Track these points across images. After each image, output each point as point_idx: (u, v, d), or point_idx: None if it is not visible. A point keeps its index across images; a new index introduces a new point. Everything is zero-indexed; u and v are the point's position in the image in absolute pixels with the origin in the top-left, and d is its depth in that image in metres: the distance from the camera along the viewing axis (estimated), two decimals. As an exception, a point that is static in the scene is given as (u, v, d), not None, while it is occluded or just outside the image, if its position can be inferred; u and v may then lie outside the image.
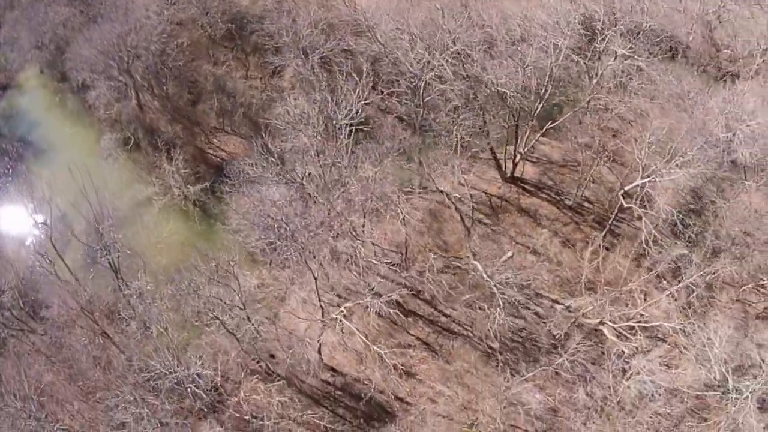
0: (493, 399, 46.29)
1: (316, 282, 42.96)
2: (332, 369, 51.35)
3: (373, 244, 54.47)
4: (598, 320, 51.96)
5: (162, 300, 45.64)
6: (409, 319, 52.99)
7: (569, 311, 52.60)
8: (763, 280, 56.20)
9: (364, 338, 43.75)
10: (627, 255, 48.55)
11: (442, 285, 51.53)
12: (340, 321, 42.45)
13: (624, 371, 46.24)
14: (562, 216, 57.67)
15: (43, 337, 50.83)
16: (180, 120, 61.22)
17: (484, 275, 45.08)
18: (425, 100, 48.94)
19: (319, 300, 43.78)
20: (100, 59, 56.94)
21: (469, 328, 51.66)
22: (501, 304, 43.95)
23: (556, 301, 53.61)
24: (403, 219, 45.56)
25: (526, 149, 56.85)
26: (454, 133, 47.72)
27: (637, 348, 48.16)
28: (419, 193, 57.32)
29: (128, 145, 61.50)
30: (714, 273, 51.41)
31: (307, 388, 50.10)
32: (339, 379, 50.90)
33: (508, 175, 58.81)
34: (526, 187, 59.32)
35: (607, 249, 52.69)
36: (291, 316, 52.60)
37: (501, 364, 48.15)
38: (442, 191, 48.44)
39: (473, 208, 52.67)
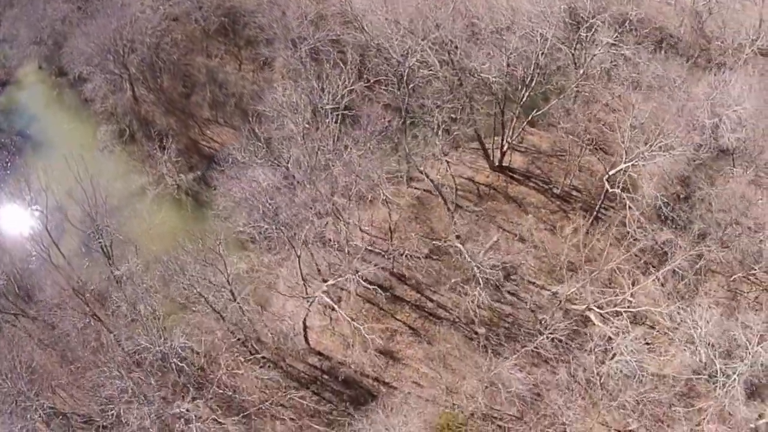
0: (476, 380, 47.22)
1: (299, 259, 44.39)
2: (319, 353, 52.57)
3: (360, 229, 56.03)
4: (585, 306, 52.95)
5: (151, 280, 47.25)
6: (396, 305, 54.29)
7: (555, 297, 53.61)
8: (754, 270, 56.97)
9: (343, 314, 45.02)
10: (607, 233, 49.48)
11: (427, 268, 52.87)
12: (322, 298, 43.67)
13: (606, 351, 47.03)
14: (549, 204, 58.81)
15: (36, 320, 52.60)
16: (174, 112, 63.45)
17: (466, 255, 46.30)
18: (410, 86, 50.64)
19: (303, 279, 45.16)
20: (96, 52, 59.35)
21: (454, 312, 52.77)
22: (481, 282, 45.06)
23: (542, 287, 54.67)
24: (386, 199, 46.95)
25: (513, 138, 58.25)
26: (436, 115, 49.14)
27: (619, 329, 48.86)
28: (408, 182, 58.90)
29: (123, 137, 63.73)
30: (699, 256, 52.31)
31: (294, 371, 51.32)
32: (326, 363, 52.11)
33: (497, 164, 60.18)
34: (514, 176, 60.61)
35: (587, 232, 53.63)
36: (279, 302, 54.07)
37: (483, 345, 49.15)
38: (421, 171, 49.86)
39: (456, 189, 54.05)
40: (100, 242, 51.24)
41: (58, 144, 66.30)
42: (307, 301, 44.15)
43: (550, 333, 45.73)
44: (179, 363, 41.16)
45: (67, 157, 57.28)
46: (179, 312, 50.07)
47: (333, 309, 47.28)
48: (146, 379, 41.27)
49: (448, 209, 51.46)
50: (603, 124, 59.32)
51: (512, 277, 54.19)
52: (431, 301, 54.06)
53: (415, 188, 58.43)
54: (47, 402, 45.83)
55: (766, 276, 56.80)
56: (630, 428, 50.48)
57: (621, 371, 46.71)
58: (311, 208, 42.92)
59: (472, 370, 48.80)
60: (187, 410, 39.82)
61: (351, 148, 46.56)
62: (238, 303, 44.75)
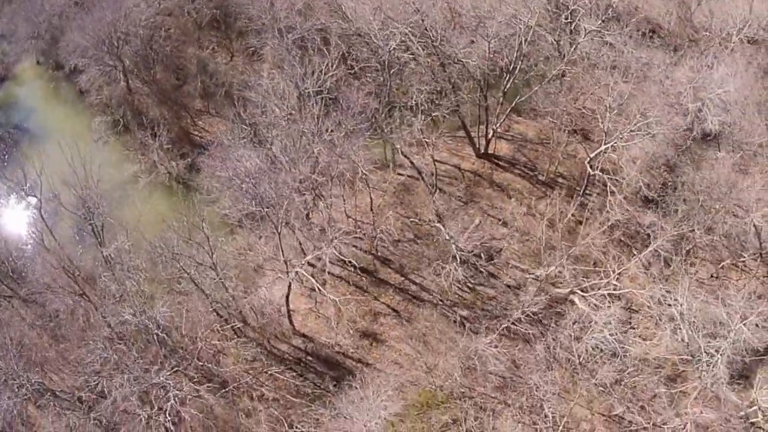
0: (455, 358, 48.64)
1: (278, 236, 46.32)
2: (303, 335, 54.34)
3: (346, 214, 58.06)
4: (569, 290, 54.36)
5: (138, 259, 49.58)
6: (380, 288, 56.07)
7: (537, 279, 55.09)
8: (743, 257, 58.04)
9: (319, 286, 46.79)
10: (585, 213, 50.90)
11: (410, 252, 54.63)
12: (302, 275, 45.56)
13: (584, 328, 48.24)
14: (535, 190, 60.43)
15: (28, 302, 55.00)
16: (166, 102, 66.30)
17: (444, 232, 47.98)
18: (391, 71, 52.91)
19: (282, 254, 47.01)
20: (92, 44, 62.41)
21: (436, 294, 54.40)
22: (458, 258, 46.67)
23: (526, 271, 56.17)
24: (364, 177, 48.92)
25: (498, 126, 60.15)
26: (415, 95, 51.27)
27: (597, 304, 50.08)
28: (394, 169, 61.01)
29: (117, 128, 66.66)
30: (682, 238, 53.61)
31: (278, 352, 53.05)
32: (309, 345, 53.85)
33: (482, 151, 62.06)
34: (500, 163, 62.42)
35: (572, 215, 55.18)
36: (265, 287, 56.03)
37: (461, 324, 50.63)
38: (398, 148, 51.81)
39: (436, 171, 55.91)
40: (90, 224, 53.64)
41: (54, 136, 69.09)
42: (288, 275, 45.97)
43: (525, 308, 47.07)
44: (160, 333, 43.10)
45: (61, 143, 60.12)
46: (165, 294, 52.19)
47: (318, 291, 49.00)
48: (128, 351, 43.25)
49: (428, 187, 53.30)
50: (585, 108, 60.64)
51: (495, 260, 55.81)
52: (414, 283, 55.71)
53: (400, 174, 60.49)
54: (36, 377, 47.93)
55: (755, 263, 57.87)
56: (615, 412, 51.64)
57: (599, 348, 47.93)
58: (290, 185, 44.94)
59: (452, 350, 50.22)
60: (167, 380, 41.65)
61: (332, 130, 48.68)
62: (220, 279, 46.71)
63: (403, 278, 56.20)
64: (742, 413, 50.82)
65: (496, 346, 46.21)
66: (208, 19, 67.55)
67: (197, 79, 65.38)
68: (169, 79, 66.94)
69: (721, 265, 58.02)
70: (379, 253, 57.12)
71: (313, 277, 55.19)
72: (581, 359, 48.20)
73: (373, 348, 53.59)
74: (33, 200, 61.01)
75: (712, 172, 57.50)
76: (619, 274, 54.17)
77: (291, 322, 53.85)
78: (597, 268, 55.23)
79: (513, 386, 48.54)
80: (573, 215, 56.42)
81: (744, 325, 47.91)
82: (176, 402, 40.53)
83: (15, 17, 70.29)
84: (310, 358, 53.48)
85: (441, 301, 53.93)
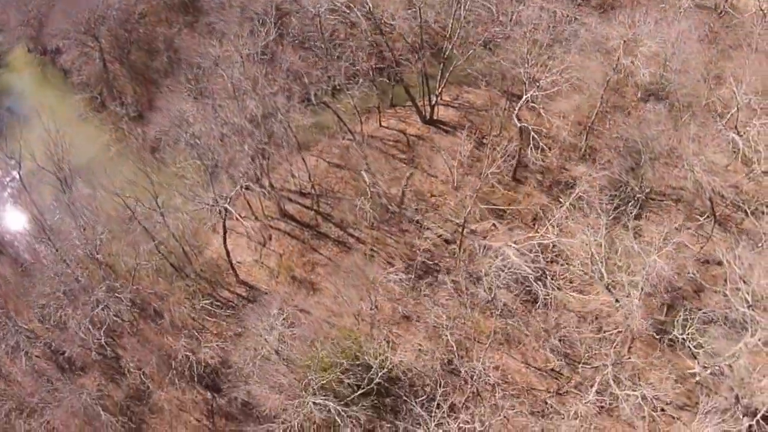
0: (365, 292, 55.83)
1: (210, 175, 55.12)
2: (246, 284, 62.53)
3: (292, 175, 66.65)
4: (503, 243, 60.86)
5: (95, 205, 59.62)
6: (320, 241, 64.04)
7: (474, 234, 61.91)
8: (699, 219, 63.13)
9: (240, 218, 55.01)
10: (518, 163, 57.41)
11: (350, 208, 62.77)
12: (226, 210, 54.10)
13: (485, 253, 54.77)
14: (476, 152, 67.49)
15: (2, 254, 65.42)
16: (138, 79, 77.31)
17: (366, 179, 55.85)
18: (325, 34, 62.21)
19: (214, 192, 55.47)
20: (72, 26, 74.35)
21: (372, 245, 61.90)
22: (369, 193, 54.43)
23: (462, 225, 62.96)
24: (286, 125, 57.61)
25: (439, 90, 68.01)
26: (337, 52, 60.18)
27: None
28: (343, 135, 69.49)
29: (95, 104, 78.03)
30: (614, 187, 59.68)
31: (222, 299, 61.38)
32: (252, 293, 61.94)
33: (427, 118, 69.87)
34: (445, 128, 70.05)
35: (517, 179, 62.63)
36: (218, 243, 64.75)
37: (368, 256, 58.87)
38: (320, 100, 60.16)
39: (361, 125, 64.03)
40: (58, 177, 64.02)
41: (39, 115, 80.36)
42: (220, 213, 54.58)
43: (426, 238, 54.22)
44: (101, 258, 52.28)
45: (42, 117, 71.23)
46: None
47: (238, 219, 57.56)
48: (73, 274, 52.48)
49: (353, 137, 61.53)
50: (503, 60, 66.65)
51: (431, 214, 63.28)
52: (352, 236, 63.44)
53: (348, 139, 68.86)
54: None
55: (709, 227, 62.79)
56: (550, 366, 57.27)
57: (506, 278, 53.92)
58: (222, 132, 54.13)
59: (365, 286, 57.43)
60: (103, 300, 50.48)
61: (266, 86, 57.90)
62: (161, 213, 55.67)
63: (342, 231, 64.01)
64: (697, 379, 54.86)
65: (397, 275, 53.30)
66: (178, 1, 78.90)
67: (164, 56, 76.21)
68: (142, 58, 78.13)
69: (675, 226, 63.03)
70: (321, 210, 65.24)
71: (260, 233, 64.06)
72: (491, 293, 54.34)
73: (309, 296, 61.10)
74: (15, 169, 72.16)
75: (649, 126, 63.51)
76: (557, 226, 60.52)
77: (234, 271, 62.20)
78: (536, 225, 62.01)
79: (419, 319, 55.42)
80: (514, 176, 63.70)
81: (658, 257, 53.17)
82: (105, 313, 49.15)
83: (7, 8, 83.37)
84: (251, 305, 61.40)
85: (373, 250, 61.42)
